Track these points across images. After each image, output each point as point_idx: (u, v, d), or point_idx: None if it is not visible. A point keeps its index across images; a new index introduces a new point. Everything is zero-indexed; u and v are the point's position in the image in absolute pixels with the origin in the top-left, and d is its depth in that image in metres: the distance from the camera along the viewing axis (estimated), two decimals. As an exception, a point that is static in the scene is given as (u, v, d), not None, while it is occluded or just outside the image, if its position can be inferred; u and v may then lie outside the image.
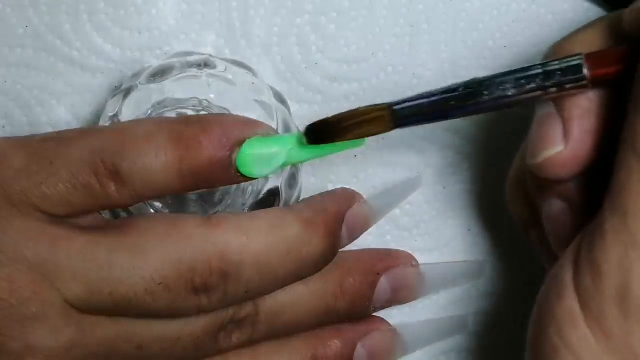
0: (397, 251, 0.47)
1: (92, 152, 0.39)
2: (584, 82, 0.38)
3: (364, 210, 0.45)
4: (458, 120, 0.49)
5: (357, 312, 0.45)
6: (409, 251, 0.50)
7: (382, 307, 0.46)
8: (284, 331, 0.43)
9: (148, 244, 0.39)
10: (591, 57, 0.38)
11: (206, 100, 0.45)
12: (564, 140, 0.38)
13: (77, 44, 0.49)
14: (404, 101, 0.40)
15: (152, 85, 0.46)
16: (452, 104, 0.39)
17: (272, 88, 0.48)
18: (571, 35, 0.40)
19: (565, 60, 0.38)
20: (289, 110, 0.48)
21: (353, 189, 0.50)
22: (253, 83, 0.47)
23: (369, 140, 0.50)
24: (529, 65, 0.39)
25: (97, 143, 0.40)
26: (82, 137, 0.40)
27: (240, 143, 0.40)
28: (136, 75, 0.47)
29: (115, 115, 0.45)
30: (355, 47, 0.49)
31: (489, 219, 0.50)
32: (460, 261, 0.49)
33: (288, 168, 0.47)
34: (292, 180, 0.47)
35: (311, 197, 0.45)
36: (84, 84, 0.50)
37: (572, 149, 0.38)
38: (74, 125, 0.49)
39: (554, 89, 0.38)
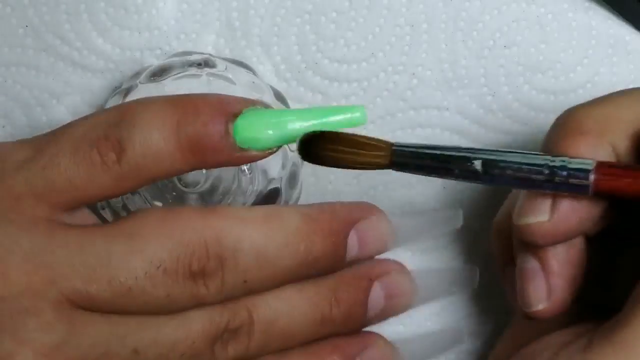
0: (388, 259, 0.46)
1: (94, 127, 0.39)
2: (587, 193, 0.38)
3: (380, 225, 0.43)
4: (459, 120, 0.50)
5: (353, 320, 0.44)
6: (408, 252, 0.50)
7: (377, 317, 0.45)
8: (280, 342, 0.43)
9: (145, 229, 0.39)
10: (604, 171, 0.38)
11: (206, 99, 0.45)
12: (550, 210, 0.39)
13: (77, 44, 0.49)
14: (405, 146, 0.39)
15: (152, 85, 0.46)
16: (446, 169, 0.39)
17: (272, 88, 0.48)
18: (601, 103, 0.40)
19: (574, 164, 0.38)
20: (289, 109, 0.48)
21: (352, 190, 0.50)
22: (253, 82, 0.47)
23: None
24: (534, 152, 0.39)
25: (99, 119, 0.40)
26: (85, 118, 0.40)
27: (237, 113, 0.40)
28: (136, 75, 0.47)
29: (115, 115, 0.45)
30: (355, 47, 0.50)
31: (490, 221, 0.50)
32: (452, 268, 0.49)
33: (288, 167, 0.47)
34: (293, 180, 0.47)
35: (322, 202, 0.44)
36: (84, 84, 0.50)
37: (555, 222, 0.39)
38: (74, 124, 0.49)
39: (551, 188, 0.38)
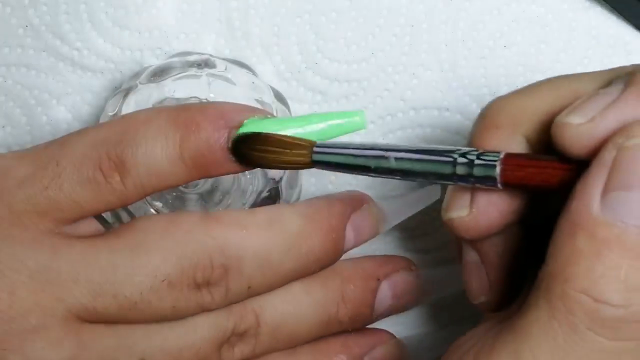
0: (397, 256, 0.47)
1: (95, 146, 0.39)
2: (496, 185, 0.37)
3: (372, 213, 0.44)
4: (459, 120, 0.50)
5: (359, 319, 0.44)
6: (408, 251, 0.50)
7: (383, 315, 0.45)
8: (287, 342, 0.43)
9: (148, 242, 0.39)
10: (509, 162, 0.37)
11: (206, 99, 0.45)
12: (469, 205, 0.38)
13: (77, 44, 0.49)
14: (326, 145, 0.40)
15: (152, 85, 0.46)
16: (363, 166, 0.39)
17: (272, 88, 0.48)
18: (518, 94, 0.40)
19: (483, 156, 0.37)
20: (289, 110, 0.48)
21: (353, 190, 0.50)
22: (253, 82, 0.47)
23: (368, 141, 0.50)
24: (447, 147, 0.38)
25: (99, 137, 0.40)
26: (84, 134, 0.40)
27: (237, 126, 0.40)
28: (136, 75, 0.47)
29: (115, 115, 0.45)
30: (355, 47, 0.49)
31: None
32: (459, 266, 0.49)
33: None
34: (292, 180, 0.47)
35: (317, 197, 0.45)
36: (83, 84, 0.50)
37: (474, 216, 0.38)
38: (74, 125, 0.50)
39: (464, 181, 0.38)
